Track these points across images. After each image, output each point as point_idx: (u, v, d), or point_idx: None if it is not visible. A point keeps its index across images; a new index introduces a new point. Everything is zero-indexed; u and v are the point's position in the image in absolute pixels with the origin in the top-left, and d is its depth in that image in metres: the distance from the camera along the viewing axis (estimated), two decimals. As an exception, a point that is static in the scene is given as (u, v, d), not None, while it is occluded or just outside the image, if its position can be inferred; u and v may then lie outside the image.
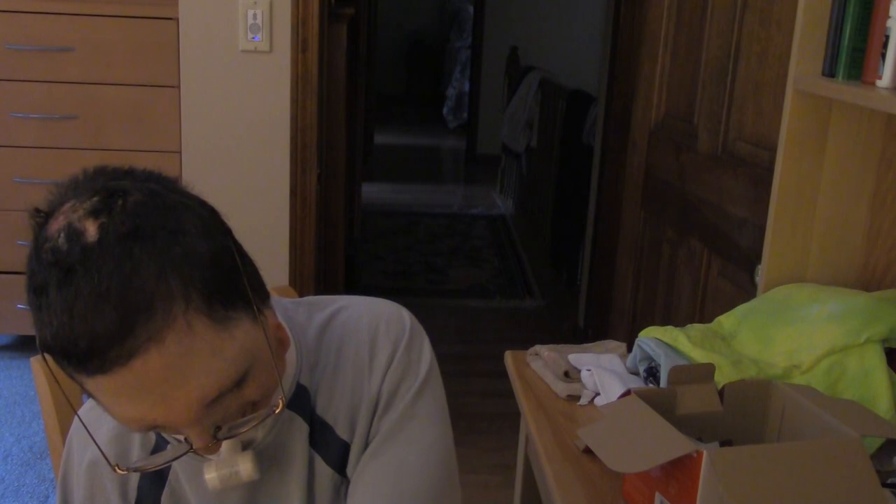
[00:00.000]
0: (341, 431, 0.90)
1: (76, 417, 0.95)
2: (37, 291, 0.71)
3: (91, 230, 0.70)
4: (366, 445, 0.90)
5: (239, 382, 0.76)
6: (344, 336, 0.93)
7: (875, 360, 1.22)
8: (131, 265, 0.69)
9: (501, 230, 5.46)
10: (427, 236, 5.24)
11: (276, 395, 0.82)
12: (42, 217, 0.74)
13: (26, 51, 2.71)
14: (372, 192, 5.98)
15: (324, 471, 0.91)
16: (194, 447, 0.78)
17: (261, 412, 0.80)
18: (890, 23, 1.23)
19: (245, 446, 0.85)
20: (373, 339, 0.92)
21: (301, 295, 1.09)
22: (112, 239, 0.70)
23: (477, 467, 2.59)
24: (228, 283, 0.75)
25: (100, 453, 0.84)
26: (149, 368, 0.70)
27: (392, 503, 0.88)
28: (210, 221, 0.77)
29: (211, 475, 0.82)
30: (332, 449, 0.90)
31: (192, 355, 0.72)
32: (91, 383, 0.72)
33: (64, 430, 1.08)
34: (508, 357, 1.54)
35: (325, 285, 3.01)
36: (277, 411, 0.81)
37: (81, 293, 0.68)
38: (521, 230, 5.43)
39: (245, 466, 0.82)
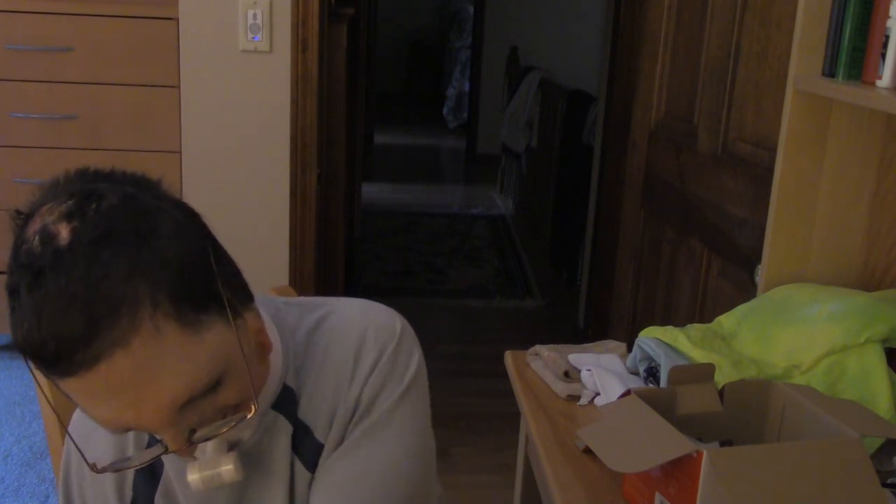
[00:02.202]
0: (319, 434, 0.90)
1: (74, 415, 0.96)
2: (11, 293, 0.72)
3: (64, 233, 0.71)
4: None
5: (214, 386, 0.76)
6: (332, 339, 0.92)
7: (875, 360, 1.22)
8: (100, 269, 0.70)
9: (501, 230, 5.46)
10: (427, 236, 5.24)
11: (259, 398, 0.82)
12: (22, 219, 0.75)
13: (26, 51, 2.71)
14: (372, 192, 5.98)
15: (302, 473, 0.90)
16: (170, 449, 0.78)
17: (234, 416, 0.80)
18: (890, 23, 1.23)
19: (231, 447, 0.85)
20: (360, 344, 0.91)
21: (301, 295, 1.09)
22: (83, 242, 0.70)
23: (477, 467, 2.59)
24: (201, 286, 0.75)
25: (99, 454, 0.84)
26: (115, 372, 0.70)
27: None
28: (185, 224, 0.77)
29: (193, 476, 0.82)
30: (309, 452, 0.90)
31: (159, 359, 0.72)
32: (63, 384, 0.73)
33: (64, 430, 1.08)
34: (508, 357, 1.54)
35: (325, 285, 3.01)
36: (249, 416, 0.80)
37: (49, 296, 0.69)
38: (521, 230, 5.43)
39: (227, 468, 0.81)
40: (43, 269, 0.70)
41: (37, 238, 0.71)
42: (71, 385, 0.72)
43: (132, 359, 0.70)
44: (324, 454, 0.90)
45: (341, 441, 0.90)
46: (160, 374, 0.72)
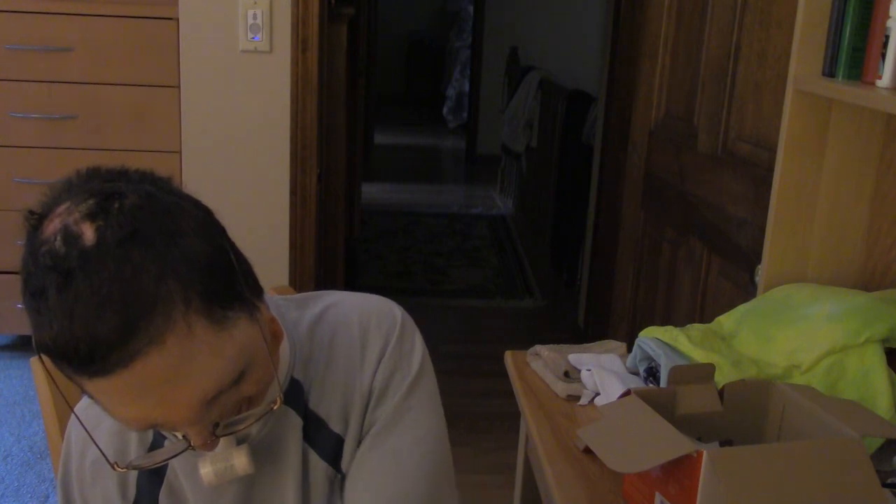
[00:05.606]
0: (334, 425, 0.91)
1: (74, 416, 0.95)
2: (35, 295, 0.71)
3: (88, 233, 0.70)
4: (359, 439, 0.91)
5: (237, 379, 0.77)
6: (335, 330, 0.94)
7: (875, 360, 1.22)
8: (131, 269, 0.69)
9: (501, 230, 5.46)
10: (427, 236, 5.24)
11: (272, 390, 0.83)
12: (36, 219, 0.74)
13: (26, 51, 2.71)
14: (372, 192, 5.98)
15: (318, 464, 0.91)
16: (193, 444, 0.79)
17: (259, 409, 0.81)
18: (890, 23, 1.23)
19: (240, 441, 0.86)
20: (364, 333, 0.93)
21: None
22: (111, 243, 0.70)
23: (477, 467, 2.59)
24: (226, 283, 0.76)
25: (99, 451, 0.84)
26: (150, 370, 0.70)
27: (389, 494, 0.88)
28: (205, 222, 0.78)
29: (206, 470, 0.83)
30: (325, 443, 0.91)
31: (192, 357, 0.72)
32: (91, 385, 0.72)
33: (64, 430, 1.08)
34: (508, 357, 1.54)
35: (325, 285, 3.01)
36: (275, 407, 0.81)
37: (81, 297, 0.69)
38: (521, 230, 5.43)
39: (240, 460, 0.83)
40: (72, 269, 0.69)
41: (58, 238, 0.71)
42: (101, 385, 0.72)
43: (166, 357, 0.71)
44: (346, 447, 0.91)
45: (360, 430, 0.91)
46: (192, 372, 0.72)
